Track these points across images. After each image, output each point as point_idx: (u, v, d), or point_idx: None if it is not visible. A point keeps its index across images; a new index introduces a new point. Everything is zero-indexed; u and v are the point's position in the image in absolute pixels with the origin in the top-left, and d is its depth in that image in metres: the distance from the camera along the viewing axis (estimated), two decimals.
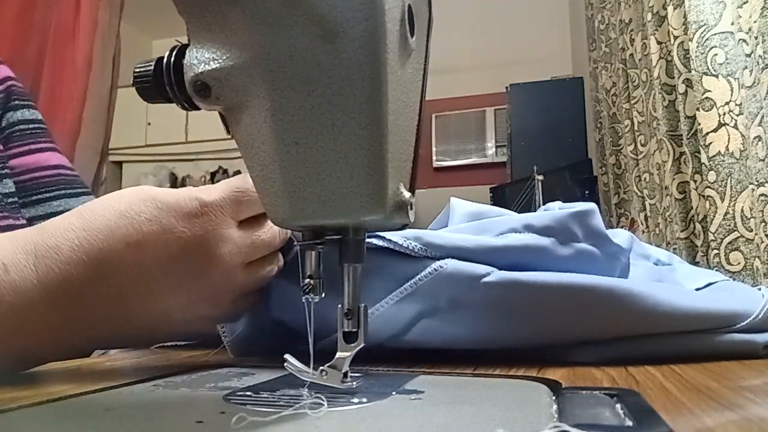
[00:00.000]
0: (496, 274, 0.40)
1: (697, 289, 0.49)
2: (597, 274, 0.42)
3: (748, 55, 1.02)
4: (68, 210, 0.65)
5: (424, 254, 0.41)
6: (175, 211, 0.37)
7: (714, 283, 0.52)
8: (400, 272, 0.41)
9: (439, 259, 0.40)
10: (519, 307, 0.40)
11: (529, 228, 0.42)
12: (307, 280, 0.29)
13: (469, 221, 0.48)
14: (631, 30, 1.66)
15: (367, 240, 0.40)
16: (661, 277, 0.51)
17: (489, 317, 0.40)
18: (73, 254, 0.36)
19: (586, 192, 2.38)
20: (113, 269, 0.36)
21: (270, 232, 0.41)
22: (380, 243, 0.41)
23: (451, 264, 0.40)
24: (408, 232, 0.42)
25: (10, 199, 0.64)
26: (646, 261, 0.56)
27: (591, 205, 0.44)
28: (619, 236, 0.49)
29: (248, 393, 0.30)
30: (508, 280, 0.39)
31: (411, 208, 0.28)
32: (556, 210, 0.47)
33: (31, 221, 0.65)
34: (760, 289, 0.46)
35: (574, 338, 0.41)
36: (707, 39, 1.11)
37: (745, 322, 0.40)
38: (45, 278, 0.35)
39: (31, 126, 0.70)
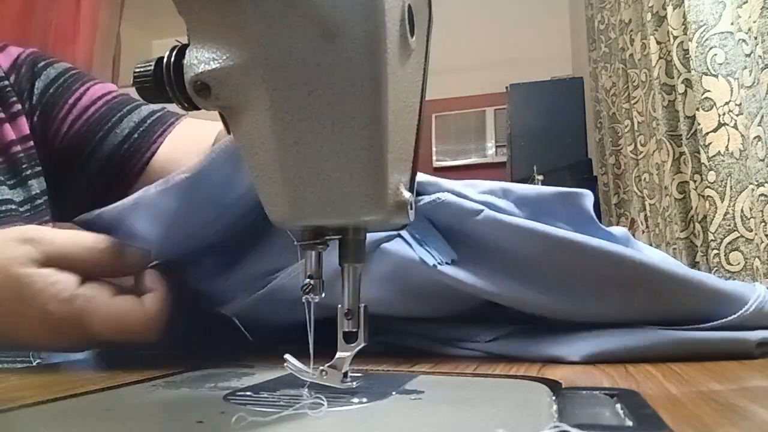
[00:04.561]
0: (486, 213, 0.41)
1: None
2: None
3: (748, 55, 1.02)
4: (132, 130, 0.65)
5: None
6: None
7: None
8: None
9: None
10: (510, 253, 0.41)
11: (507, 194, 0.43)
12: (307, 280, 0.29)
13: None
14: (631, 30, 1.66)
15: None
16: None
17: (484, 256, 0.41)
18: None
19: None
20: None
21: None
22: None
23: (447, 196, 0.42)
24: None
25: (34, 203, 0.62)
26: None
27: (585, 191, 0.45)
28: (616, 233, 0.49)
29: (248, 393, 0.30)
30: (496, 219, 0.41)
31: (411, 208, 0.28)
32: None
33: (108, 160, 0.64)
34: (754, 285, 0.46)
35: (566, 292, 0.41)
36: (707, 39, 1.11)
37: (736, 314, 0.40)
38: None
39: (60, 80, 0.66)
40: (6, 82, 0.63)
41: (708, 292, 0.40)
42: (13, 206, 0.59)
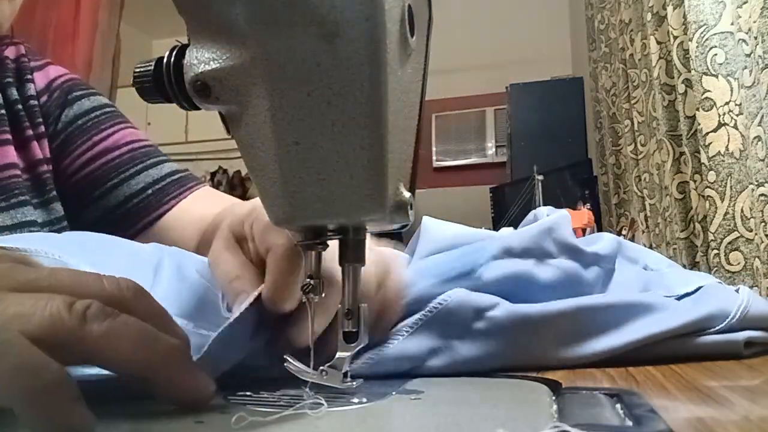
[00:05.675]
0: (501, 307, 0.40)
1: (687, 294, 0.49)
2: (578, 286, 0.43)
3: (748, 55, 1.02)
4: (147, 186, 0.63)
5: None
6: None
7: (703, 287, 0.51)
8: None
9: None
10: (523, 335, 0.40)
11: (508, 252, 0.43)
12: (308, 280, 0.30)
13: (440, 250, 0.48)
14: (631, 30, 1.66)
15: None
16: (649, 281, 0.51)
17: (497, 344, 0.40)
18: None
19: (586, 192, 2.38)
20: None
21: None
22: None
23: (455, 296, 0.40)
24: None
25: (54, 226, 0.59)
26: (634, 265, 0.55)
27: (558, 218, 0.45)
28: (601, 241, 0.49)
29: (248, 393, 0.30)
30: (512, 313, 0.40)
31: (411, 208, 0.28)
32: (544, 216, 0.48)
33: (114, 210, 0.61)
34: (737, 290, 0.46)
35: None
36: (707, 39, 1.11)
37: (722, 324, 0.41)
38: None
39: (92, 115, 0.64)
40: (35, 102, 0.62)
41: (690, 326, 0.41)
42: (36, 228, 0.57)
